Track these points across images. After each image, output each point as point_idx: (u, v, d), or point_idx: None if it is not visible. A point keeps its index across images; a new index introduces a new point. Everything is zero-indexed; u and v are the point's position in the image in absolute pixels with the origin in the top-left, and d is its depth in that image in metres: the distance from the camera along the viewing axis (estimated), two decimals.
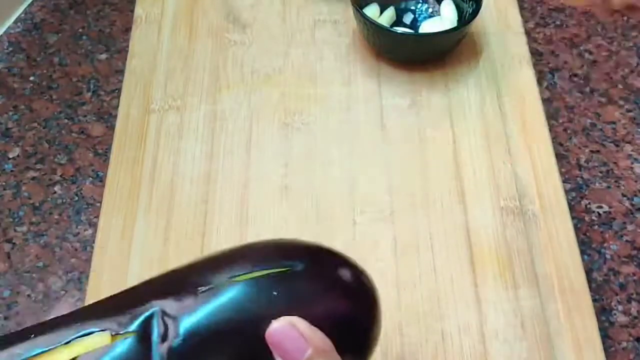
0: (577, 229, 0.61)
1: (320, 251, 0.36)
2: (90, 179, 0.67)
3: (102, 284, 0.60)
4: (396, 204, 0.62)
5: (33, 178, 0.67)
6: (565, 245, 0.60)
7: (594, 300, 0.56)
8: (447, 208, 0.62)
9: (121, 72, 0.74)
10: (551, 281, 0.58)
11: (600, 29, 0.78)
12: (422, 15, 0.77)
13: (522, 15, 0.78)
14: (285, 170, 0.65)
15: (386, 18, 0.75)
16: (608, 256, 0.61)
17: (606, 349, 0.55)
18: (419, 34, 0.73)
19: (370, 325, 0.36)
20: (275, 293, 0.33)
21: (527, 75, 0.71)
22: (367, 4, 0.75)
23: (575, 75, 0.74)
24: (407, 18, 0.76)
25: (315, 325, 0.32)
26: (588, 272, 0.59)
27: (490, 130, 0.67)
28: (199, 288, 0.33)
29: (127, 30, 0.79)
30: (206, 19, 0.78)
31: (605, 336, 0.57)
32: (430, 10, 0.77)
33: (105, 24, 0.80)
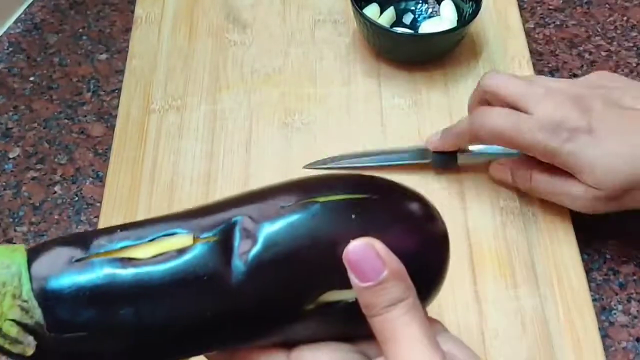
0: (577, 228, 0.61)
1: (396, 185, 0.37)
2: (91, 179, 0.67)
3: None
4: None
5: (33, 178, 0.67)
6: (565, 245, 0.60)
7: (594, 300, 0.57)
8: (446, 208, 0.62)
9: (121, 72, 0.74)
10: (551, 281, 0.58)
11: (600, 29, 0.78)
12: (421, 16, 0.77)
13: (522, 15, 0.78)
14: (285, 170, 0.66)
15: (386, 18, 0.75)
16: (608, 256, 0.61)
17: (606, 349, 0.55)
18: (418, 34, 0.73)
19: (441, 263, 0.36)
20: (353, 216, 0.34)
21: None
22: (367, 4, 0.75)
23: (575, 75, 0.74)
24: (407, 18, 0.76)
25: None
26: (588, 272, 0.59)
27: None
28: (281, 204, 0.34)
29: (127, 30, 0.79)
30: (206, 19, 0.78)
31: (605, 336, 0.57)
32: (429, 10, 0.77)
33: (105, 24, 0.80)
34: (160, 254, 0.32)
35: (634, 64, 0.75)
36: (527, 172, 0.59)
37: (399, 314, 0.31)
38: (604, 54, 0.76)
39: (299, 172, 0.65)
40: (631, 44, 0.77)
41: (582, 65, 0.75)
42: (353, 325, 0.34)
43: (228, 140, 0.68)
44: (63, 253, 0.33)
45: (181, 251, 0.33)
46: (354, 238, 0.32)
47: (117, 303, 0.32)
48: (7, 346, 0.31)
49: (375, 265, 0.31)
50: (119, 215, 0.63)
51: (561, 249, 0.60)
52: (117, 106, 0.71)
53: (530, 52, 0.75)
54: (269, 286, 0.33)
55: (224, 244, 0.33)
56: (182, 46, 0.76)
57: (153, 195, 0.64)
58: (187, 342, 0.33)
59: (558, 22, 0.80)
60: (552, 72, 0.75)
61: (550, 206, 0.61)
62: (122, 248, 0.33)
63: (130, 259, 0.32)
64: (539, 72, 0.74)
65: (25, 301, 0.31)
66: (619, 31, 0.78)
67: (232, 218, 0.34)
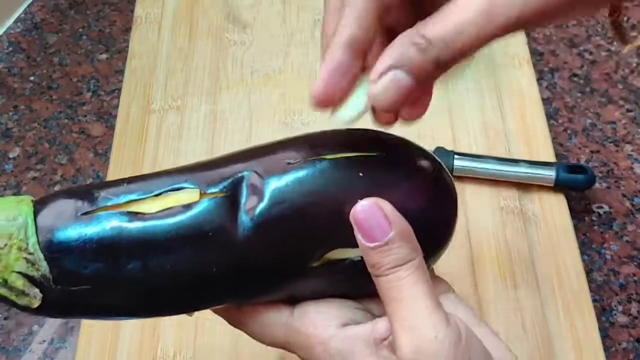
0: (577, 228, 0.61)
1: (404, 142, 0.37)
2: (91, 179, 0.67)
3: None
4: None
5: (33, 178, 0.67)
6: (565, 245, 0.60)
7: (594, 301, 0.56)
8: None
9: (121, 72, 0.74)
10: (551, 281, 0.58)
11: (600, 29, 0.78)
12: None
13: None
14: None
15: None
16: (608, 256, 0.61)
17: (606, 349, 0.55)
18: None
19: (448, 222, 0.36)
20: (361, 174, 0.33)
21: (527, 75, 0.71)
22: None
23: (575, 75, 0.74)
24: None
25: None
26: (588, 273, 0.59)
27: (490, 130, 0.67)
28: (288, 160, 0.34)
29: (127, 30, 0.79)
30: (206, 19, 0.78)
31: (605, 336, 0.57)
32: None
33: (105, 24, 0.80)
34: (167, 209, 0.32)
35: (634, 64, 0.75)
36: (414, 39, 0.30)
37: (404, 275, 0.31)
38: (604, 54, 0.76)
39: None
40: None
41: (582, 65, 0.75)
42: (358, 283, 0.34)
43: (228, 140, 0.68)
44: (69, 205, 0.32)
45: (187, 206, 0.33)
46: (361, 197, 0.32)
47: (124, 257, 0.32)
48: (13, 298, 0.31)
49: (382, 225, 0.31)
50: None
51: (561, 249, 0.60)
52: (117, 106, 0.71)
53: (530, 52, 0.74)
54: (275, 242, 0.33)
55: (231, 200, 0.33)
56: (182, 46, 0.76)
57: None
58: (192, 297, 0.33)
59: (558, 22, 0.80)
60: (552, 72, 0.75)
61: (550, 206, 0.61)
62: (128, 202, 0.33)
63: (136, 213, 0.32)
64: (539, 72, 0.74)
65: (31, 254, 0.31)
66: None
67: (238, 173, 0.34)
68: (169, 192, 0.33)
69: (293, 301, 0.36)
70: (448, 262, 0.59)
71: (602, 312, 0.56)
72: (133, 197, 0.33)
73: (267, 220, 0.33)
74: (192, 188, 0.33)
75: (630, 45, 0.37)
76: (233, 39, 0.76)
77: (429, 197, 0.35)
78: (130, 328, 0.58)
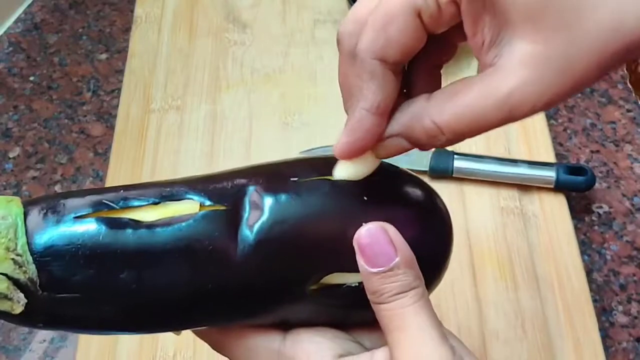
0: (577, 229, 0.61)
1: (403, 172, 0.36)
2: (91, 178, 0.67)
3: None
4: None
5: (33, 178, 0.67)
6: (565, 245, 0.60)
7: (594, 301, 0.56)
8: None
9: (121, 72, 0.74)
10: (551, 281, 0.58)
11: None
12: None
13: None
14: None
15: None
16: (608, 256, 0.61)
17: (606, 349, 0.55)
18: None
19: (445, 252, 0.36)
20: (365, 198, 0.33)
21: None
22: None
23: None
24: None
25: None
26: (588, 273, 0.59)
27: (490, 130, 0.67)
28: (291, 178, 0.33)
29: (127, 30, 0.79)
30: (206, 19, 0.78)
31: (605, 336, 0.57)
32: None
33: (105, 24, 0.80)
34: (166, 218, 0.31)
35: (634, 64, 0.74)
36: (423, 120, 0.31)
37: (408, 302, 0.30)
38: None
39: None
40: None
41: None
42: (353, 311, 0.34)
43: (228, 140, 0.68)
44: (63, 208, 0.31)
45: (187, 217, 0.31)
46: (365, 221, 0.31)
47: (117, 265, 0.30)
48: None
49: (387, 250, 0.30)
50: None
51: (561, 249, 0.60)
52: (117, 106, 0.71)
53: None
54: (275, 259, 0.32)
55: (232, 213, 0.32)
56: (182, 46, 0.76)
57: None
58: (185, 313, 0.32)
59: None
60: None
61: (551, 206, 0.61)
62: (126, 208, 0.31)
63: (134, 221, 0.31)
64: None
65: (19, 255, 0.29)
66: None
67: (241, 188, 0.33)
68: (168, 202, 0.32)
69: (284, 327, 0.34)
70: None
71: (602, 312, 0.56)
72: (131, 203, 0.31)
73: (269, 236, 0.32)
74: (192, 199, 0.32)
75: None
76: (233, 39, 0.76)
77: (428, 226, 0.35)
78: None
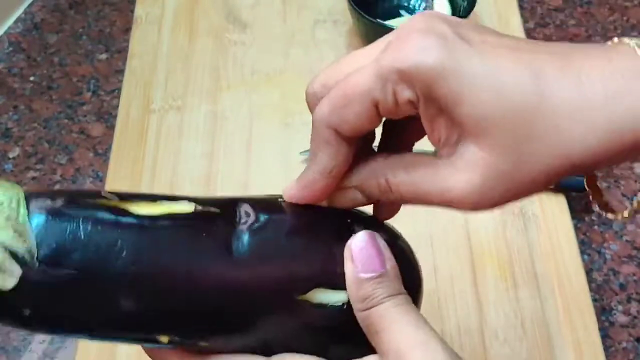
0: (577, 228, 0.61)
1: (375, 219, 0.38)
2: (91, 178, 0.67)
3: None
4: None
5: (33, 178, 0.67)
6: (565, 245, 0.60)
7: (594, 300, 0.57)
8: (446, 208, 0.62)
9: (121, 72, 0.74)
10: (551, 281, 0.58)
11: (600, 28, 0.78)
12: (416, 11, 0.77)
13: (522, 15, 0.78)
14: (286, 170, 0.65)
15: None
16: (608, 256, 0.61)
17: (606, 349, 0.55)
18: None
19: (417, 272, 0.36)
20: (349, 221, 0.35)
21: None
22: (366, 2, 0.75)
23: None
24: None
25: None
26: (588, 272, 0.59)
27: None
28: (282, 200, 0.35)
29: (127, 30, 0.79)
30: (206, 19, 0.78)
31: (605, 336, 0.57)
32: (423, 5, 0.77)
33: (105, 24, 0.80)
34: (165, 214, 0.32)
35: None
36: (378, 178, 0.33)
37: (398, 303, 0.31)
38: None
39: (299, 170, 0.65)
40: None
41: None
42: (335, 338, 0.34)
43: (228, 140, 0.68)
44: (67, 195, 0.31)
45: (185, 214, 0.32)
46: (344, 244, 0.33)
47: (117, 248, 0.30)
48: None
49: (379, 257, 0.32)
50: None
51: (561, 249, 0.60)
52: (117, 106, 0.71)
53: None
54: (267, 260, 0.32)
55: (226, 216, 0.33)
56: (182, 46, 0.76)
57: None
58: (178, 310, 0.32)
59: (558, 22, 0.80)
60: None
61: (551, 206, 0.61)
62: (127, 200, 0.32)
63: (135, 214, 0.31)
64: None
65: (20, 224, 0.29)
66: (619, 31, 0.78)
67: (233, 201, 0.34)
68: (165, 201, 0.33)
69: (265, 352, 0.34)
70: (448, 262, 0.60)
71: (602, 312, 0.56)
72: (129, 198, 0.32)
73: (263, 237, 0.33)
74: (188, 202, 0.33)
75: (620, 213, 0.34)
76: (233, 39, 0.76)
77: (406, 260, 0.35)
78: None
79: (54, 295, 0.30)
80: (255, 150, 0.67)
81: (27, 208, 0.30)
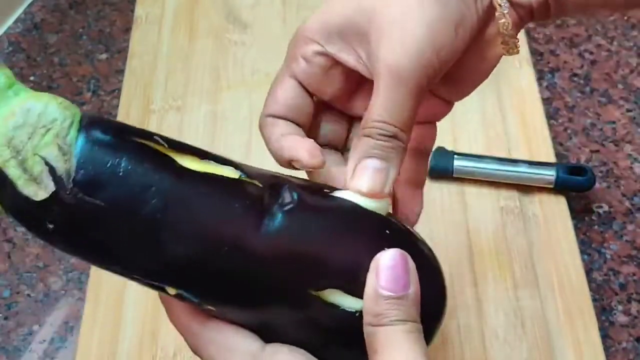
0: (577, 228, 0.61)
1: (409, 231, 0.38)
2: None
3: (103, 283, 0.60)
4: None
5: None
6: (565, 245, 0.60)
7: (594, 300, 0.57)
8: (447, 208, 0.62)
9: (121, 72, 0.74)
10: (551, 281, 0.58)
11: (600, 28, 0.78)
12: None
13: None
14: (286, 171, 0.65)
15: None
16: (608, 256, 0.61)
17: (606, 349, 0.55)
18: None
19: (443, 302, 0.36)
20: (387, 232, 0.35)
21: (527, 75, 0.71)
22: None
23: (575, 75, 0.74)
24: None
25: None
26: (588, 272, 0.60)
27: (490, 130, 0.67)
28: (326, 190, 0.36)
29: (127, 30, 0.79)
30: (206, 19, 0.78)
31: (605, 336, 0.57)
32: None
33: (105, 24, 0.80)
34: (208, 173, 0.33)
35: (634, 64, 0.75)
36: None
37: (408, 330, 0.31)
38: (604, 53, 0.76)
39: (300, 172, 0.65)
40: (631, 44, 0.77)
41: (582, 65, 0.75)
42: (337, 341, 0.34)
43: (228, 140, 0.68)
44: (120, 128, 0.32)
45: (227, 178, 0.33)
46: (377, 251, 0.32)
47: (150, 192, 0.31)
48: (19, 182, 0.29)
49: (405, 278, 0.32)
50: None
51: (561, 249, 0.60)
52: (117, 106, 0.71)
53: (530, 52, 0.74)
54: (293, 245, 0.33)
55: (267, 192, 0.34)
56: (182, 46, 0.76)
57: None
58: (191, 266, 0.32)
59: (558, 22, 0.80)
60: (552, 72, 0.75)
61: (551, 206, 0.61)
62: (172, 149, 0.33)
63: (181, 166, 0.33)
64: (539, 71, 0.74)
65: (66, 144, 0.30)
66: (619, 31, 0.78)
67: (278, 180, 0.35)
68: (212, 161, 0.34)
69: (263, 336, 0.34)
70: (448, 262, 0.60)
71: (602, 312, 0.56)
72: (179, 147, 0.34)
73: (295, 222, 0.33)
74: (234, 170, 0.34)
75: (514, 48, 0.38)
76: (233, 39, 0.76)
77: (434, 284, 0.36)
78: (131, 327, 0.58)
79: (78, 220, 0.30)
80: (255, 150, 0.67)
81: (78, 131, 0.31)
